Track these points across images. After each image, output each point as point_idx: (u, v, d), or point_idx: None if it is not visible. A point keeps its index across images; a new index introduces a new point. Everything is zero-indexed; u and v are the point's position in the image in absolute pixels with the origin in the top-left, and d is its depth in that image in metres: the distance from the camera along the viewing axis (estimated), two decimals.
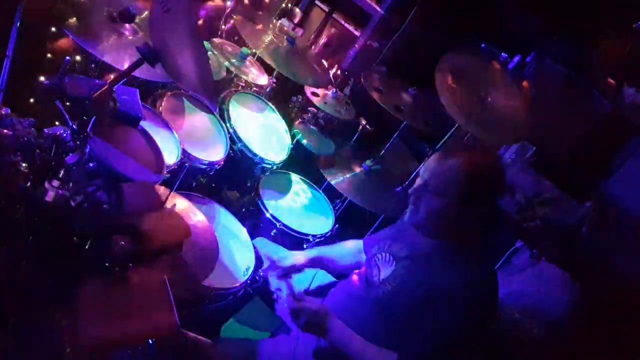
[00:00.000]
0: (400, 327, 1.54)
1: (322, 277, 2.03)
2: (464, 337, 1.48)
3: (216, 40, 2.57)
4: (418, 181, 1.62)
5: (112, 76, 1.37)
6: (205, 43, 2.39)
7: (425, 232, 1.64)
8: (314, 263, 1.96)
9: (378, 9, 3.45)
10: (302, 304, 1.63)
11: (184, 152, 2.04)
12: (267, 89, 2.80)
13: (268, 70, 2.77)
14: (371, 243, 1.87)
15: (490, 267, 1.67)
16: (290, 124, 2.75)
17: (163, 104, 2.17)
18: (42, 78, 1.79)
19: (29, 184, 1.29)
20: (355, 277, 1.81)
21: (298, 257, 1.95)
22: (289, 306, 1.65)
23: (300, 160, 2.72)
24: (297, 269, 1.94)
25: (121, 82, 1.30)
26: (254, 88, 2.75)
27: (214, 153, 2.23)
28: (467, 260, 1.56)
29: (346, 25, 3.60)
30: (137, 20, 1.91)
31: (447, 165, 1.55)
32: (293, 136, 2.69)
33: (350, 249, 2.00)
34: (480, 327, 1.54)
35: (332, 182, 2.58)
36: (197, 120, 2.33)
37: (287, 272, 1.92)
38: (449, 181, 1.53)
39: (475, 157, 1.58)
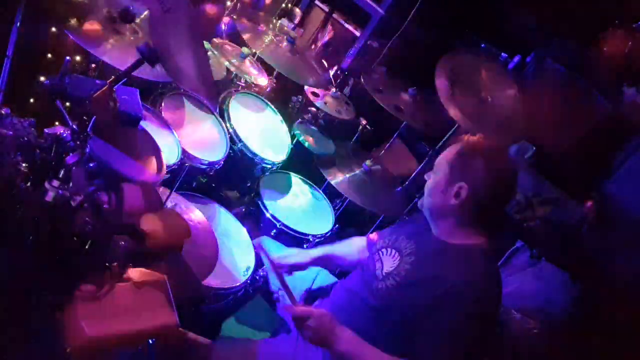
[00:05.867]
0: (404, 330, 1.50)
1: (324, 278, 2.02)
2: (475, 338, 1.45)
3: (216, 40, 2.57)
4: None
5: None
6: (205, 43, 2.39)
7: (433, 220, 1.62)
8: (318, 261, 1.93)
9: (378, 9, 3.44)
10: (304, 311, 1.54)
11: (184, 152, 2.04)
12: (267, 89, 2.80)
13: (268, 70, 2.77)
14: (375, 240, 1.84)
15: (495, 269, 1.61)
16: (290, 124, 2.75)
17: (163, 104, 2.17)
18: (42, 78, 1.80)
19: (29, 184, 1.29)
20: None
21: (302, 255, 1.93)
22: (291, 314, 1.54)
23: (300, 160, 2.72)
24: (301, 266, 1.90)
25: (121, 82, 1.30)
26: (254, 88, 2.75)
27: (214, 153, 2.23)
28: (474, 261, 1.53)
29: (346, 25, 3.60)
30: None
31: (465, 148, 1.56)
32: (293, 136, 2.69)
33: (354, 246, 1.97)
34: (488, 328, 1.52)
35: (332, 182, 2.58)
36: (197, 120, 2.33)
37: (291, 270, 1.89)
38: (466, 163, 1.53)
39: (495, 149, 1.59)
